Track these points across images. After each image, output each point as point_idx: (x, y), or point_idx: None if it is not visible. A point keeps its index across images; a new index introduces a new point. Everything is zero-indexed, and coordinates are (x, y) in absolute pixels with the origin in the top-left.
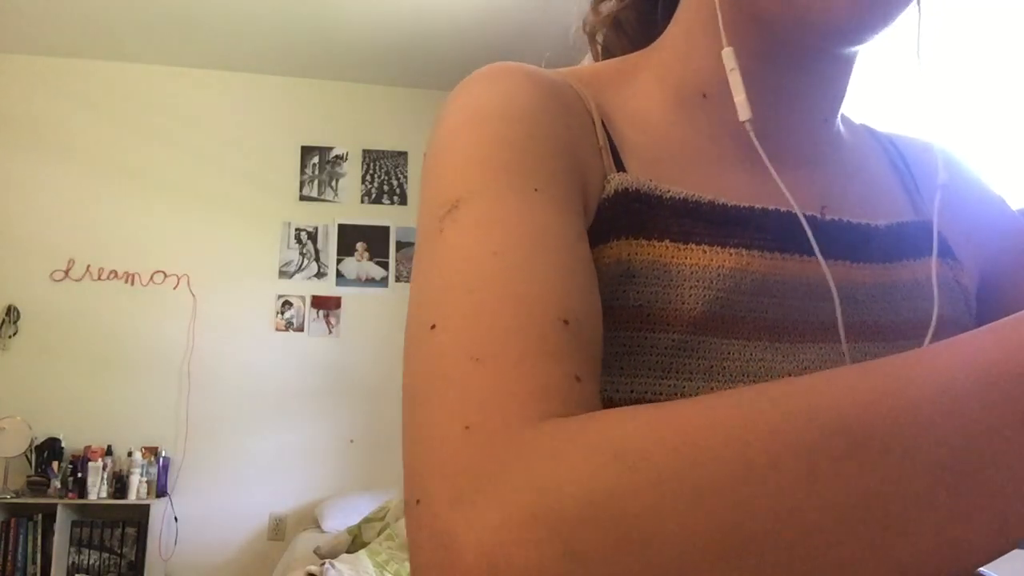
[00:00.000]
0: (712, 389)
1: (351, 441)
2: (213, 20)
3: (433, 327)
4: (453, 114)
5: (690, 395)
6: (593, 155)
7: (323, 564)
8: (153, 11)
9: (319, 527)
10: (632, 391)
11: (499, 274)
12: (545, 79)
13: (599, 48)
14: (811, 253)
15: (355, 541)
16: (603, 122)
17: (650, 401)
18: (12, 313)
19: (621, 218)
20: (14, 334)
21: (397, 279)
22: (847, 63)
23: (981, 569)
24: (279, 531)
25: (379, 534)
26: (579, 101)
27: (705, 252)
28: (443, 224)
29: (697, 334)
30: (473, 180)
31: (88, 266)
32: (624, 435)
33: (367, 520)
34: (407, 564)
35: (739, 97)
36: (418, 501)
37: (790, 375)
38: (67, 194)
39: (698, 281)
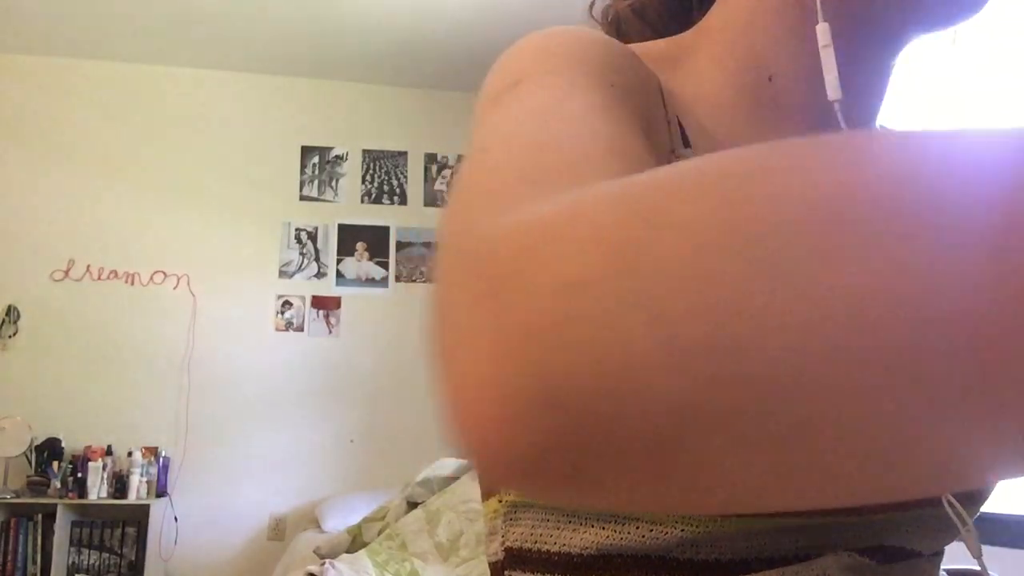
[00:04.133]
0: None
1: (351, 441)
2: (213, 20)
3: (484, 150)
4: (521, 40)
5: None
6: (661, 122)
7: (323, 564)
8: (153, 11)
9: (319, 527)
10: None
11: (560, 115)
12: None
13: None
14: None
15: (355, 541)
16: (664, 99)
17: None
18: (12, 313)
19: None
20: (14, 334)
21: (397, 279)
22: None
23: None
24: (279, 531)
25: (379, 534)
26: (647, 70)
27: None
28: (500, 98)
29: None
30: (538, 64)
31: (88, 266)
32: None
33: (367, 520)
34: (407, 564)
35: (831, 75)
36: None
37: None
38: (67, 194)
39: None
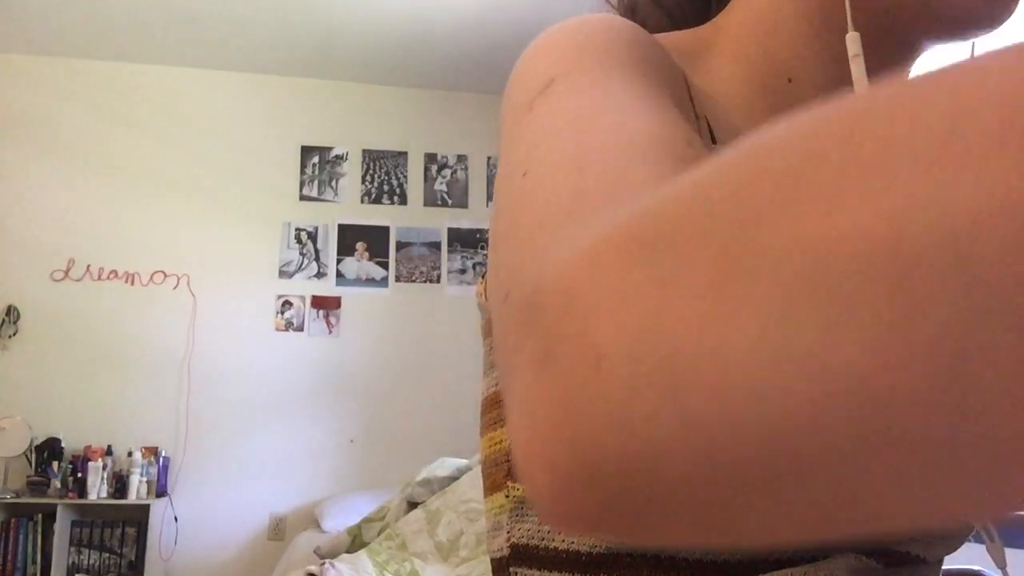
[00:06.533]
0: None
1: (351, 441)
2: (213, 20)
3: (525, 174)
4: (547, 32)
5: None
6: (689, 118)
7: (323, 564)
8: (153, 11)
9: (319, 527)
10: None
11: (599, 123)
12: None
13: None
14: None
15: (355, 541)
16: (691, 93)
17: None
18: (12, 313)
19: None
20: (14, 334)
21: (397, 279)
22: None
23: (981, 569)
24: (279, 531)
25: (379, 534)
26: (673, 62)
27: None
28: (534, 103)
29: None
30: (570, 61)
31: (88, 266)
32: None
33: (367, 520)
34: (407, 564)
35: (862, 86)
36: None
37: None
38: (67, 194)
39: None
